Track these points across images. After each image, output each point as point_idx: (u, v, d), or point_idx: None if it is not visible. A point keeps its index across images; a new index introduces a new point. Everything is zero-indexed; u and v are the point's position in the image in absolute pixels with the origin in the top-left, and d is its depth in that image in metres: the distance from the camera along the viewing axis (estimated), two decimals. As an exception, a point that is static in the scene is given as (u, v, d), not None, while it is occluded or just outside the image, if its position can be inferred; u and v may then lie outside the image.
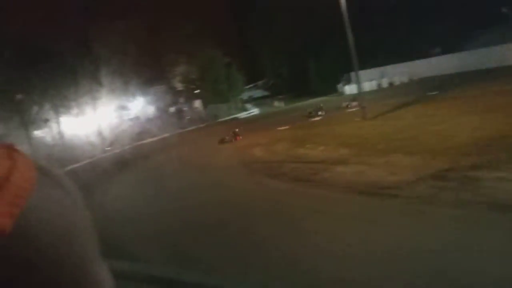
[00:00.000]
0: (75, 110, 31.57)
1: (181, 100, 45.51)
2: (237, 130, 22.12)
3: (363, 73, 31.18)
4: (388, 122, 17.31)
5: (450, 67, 36.13)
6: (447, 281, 4.84)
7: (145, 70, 36.60)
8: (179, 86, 46.55)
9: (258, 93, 53.28)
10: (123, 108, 37.18)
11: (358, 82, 22.82)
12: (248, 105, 44.95)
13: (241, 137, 21.44)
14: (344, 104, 26.71)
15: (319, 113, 24.90)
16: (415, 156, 10.76)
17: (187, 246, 7.47)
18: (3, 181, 0.32)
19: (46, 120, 30.27)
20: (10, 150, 0.37)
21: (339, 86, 43.39)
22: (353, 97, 27.08)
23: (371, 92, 35.89)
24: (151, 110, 41.05)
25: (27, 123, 28.30)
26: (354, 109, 23.78)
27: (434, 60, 39.23)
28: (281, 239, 7.12)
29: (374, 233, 6.66)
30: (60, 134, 30.54)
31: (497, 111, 13.79)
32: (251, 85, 51.81)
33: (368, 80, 39.06)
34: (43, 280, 0.33)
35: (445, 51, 38.85)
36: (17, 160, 0.35)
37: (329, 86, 43.01)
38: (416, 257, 5.49)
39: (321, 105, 26.39)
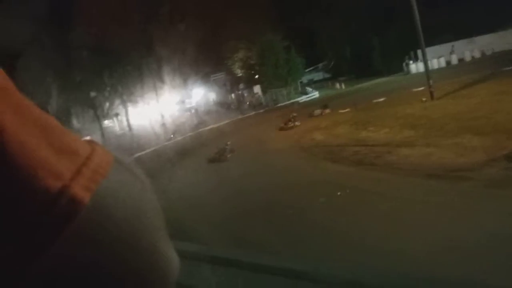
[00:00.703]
0: (141, 100, 33.10)
1: (241, 86, 45.93)
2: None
3: (430, 50, 29.58)
4: (458, 101, 16.28)
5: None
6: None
7: (205, 58, 37.30)
8: (239, 72, 46.97)
9: (318, 75, 52.44)
10: (184, 96, 38.28)
11: (424, 60, 21.62)
12: (308, 89, 44.35)
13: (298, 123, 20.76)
14: (316, 112, 23.39)
15: (296, 123, 20.90)
16: (487, 137, 10.03)
17: (248, 231, 7.53)
18: (85, 159, 0.36)
19: (117, 114, 32.63)
20: (90, 140, 0.41)
21: (405, 65, 41.49)
22: (325, 104, 24.46)
23: (439, 70, 34.04)
24: (211, 97, 41.88)
25: (100, 117, 30.89)
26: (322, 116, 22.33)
27: (508, 34, 36.19)
28: (344, 225, 6.96)
29: (446, 219, 6.29)
30: (128, 124, 32.31)
31: None
32: (311, 68, 51.04)
33: (436, 57, 37.01)
34: (118, 253, 0.36)
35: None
36: (96, 147, 0.39)
37: (394, 65, 41.25)
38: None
39: (294, 114, 21.99)
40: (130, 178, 0.41)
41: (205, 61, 38.29)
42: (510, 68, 22.09)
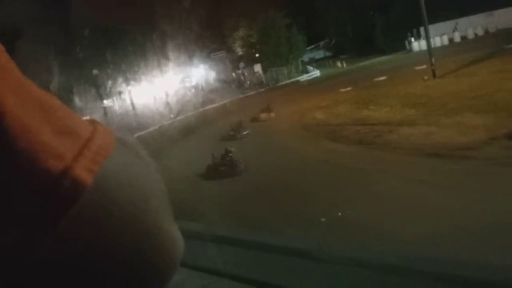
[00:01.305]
0: (143, 78, 33.01)
1: (241, 65, 45.57)
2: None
3: (433, 28, 29.20)
4: (460, 80, 16.20)
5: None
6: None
7: (205, 36, 36.86)
8: (239, 51, 46.54)
9: (320, 54, 51.91)
10: (185, 75, 38.00)
11: (427, 38, 21.42)
12: (309, 67, 43.99)
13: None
14: (263, 116, 18.78)
15: (244, 132, 15.63)
16: (488, 115, 10.05)
17: (250, 211, 7.60)
18: (87, 141, 0.36)
19: (120, 93, 32.58)
20: (92, 120, 0.41)
21: (407, 43, 41.04)
22: (267, 106, 19.59)
23: (441, 48, 33.70)
24: (212, 76, 41.60)
25: (102, 96, 30.84)
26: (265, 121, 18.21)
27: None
28: (340, 203, 7.02)
29: (446, 198, 6.34)
30: (130, 103, 32.31)
31: None
32: (312, 46, 50.52)
33: (438, 35, 36.55)
34: (123, 235, 0.36)
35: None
36: (98, 127, 0.38)
37: (396, 43, 40.77)
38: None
39: (241, 120, 16.92)
40: (133, 158, 0.41)
41: (205, 39, 37.82)
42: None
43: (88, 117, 0.42)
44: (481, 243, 4.71)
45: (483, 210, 5.63)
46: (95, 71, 30.92)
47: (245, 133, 15.57)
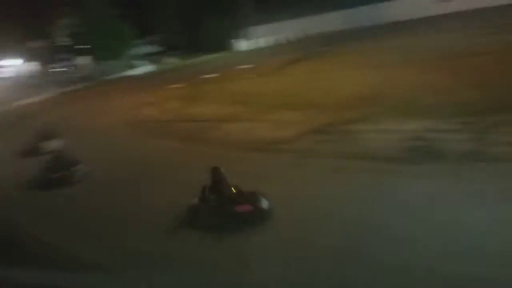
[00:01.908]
0: None
1: (66, 56, 41.71)
2: None
3: (259, 29, 31.28)
4: (279, 78, 17.57)
5: (341, 23, 37.49)
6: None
7: (22, 24, 32.68)
8: (65, 41, 42.50)
9: (152, 48, 50.82)
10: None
11: (252, 39, 22.66)
12: (141, 62, 42.60)
13: None
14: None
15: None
16: (301, 112, 11.06)
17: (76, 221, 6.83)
18: None
19: None
20: None
21: (235, 42, 42.97)
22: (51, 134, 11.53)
23: (267, 48, 36.23)
24: (30, 67, 37.06)
25: None
26: None
27: (328, 16, 39.96)
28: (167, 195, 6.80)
29: (262, 187, 6.61)
30: None
31: (373, 67, 14.70)
32: (144, 40, 49.10)
33: (263, 36, 39.11)
34: None
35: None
36: None
37: (226, 42, 42.37)
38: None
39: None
40: None
41: (23, 27, 33.49)
42: (325, 49, 24.52)
43: None
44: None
45: (290, 196, 6.07)
46: None
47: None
